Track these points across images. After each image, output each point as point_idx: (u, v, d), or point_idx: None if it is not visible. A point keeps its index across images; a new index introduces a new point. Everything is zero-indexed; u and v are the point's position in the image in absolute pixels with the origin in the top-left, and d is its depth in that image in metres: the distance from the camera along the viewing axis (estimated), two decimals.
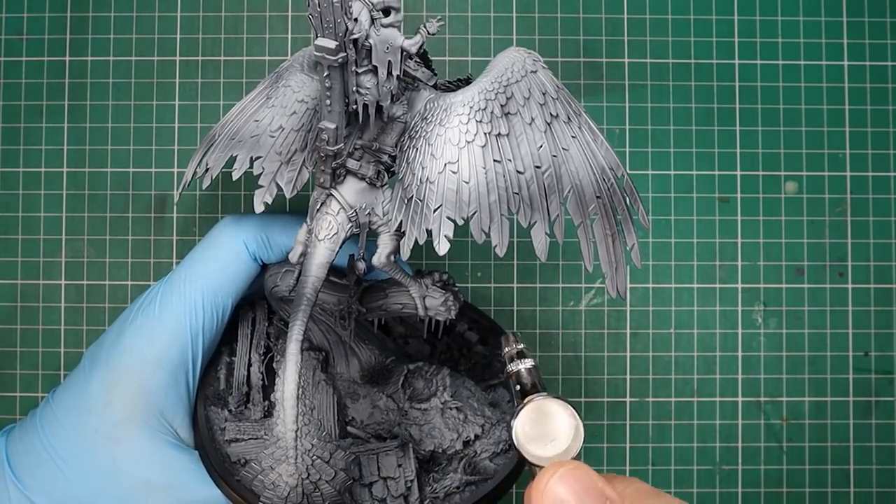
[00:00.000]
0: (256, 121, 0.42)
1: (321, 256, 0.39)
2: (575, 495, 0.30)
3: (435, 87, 0.40)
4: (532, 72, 0.38)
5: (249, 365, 0.45)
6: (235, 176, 0.41)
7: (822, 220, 0.54)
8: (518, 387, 0.35)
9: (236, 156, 0.41)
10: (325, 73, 0.36)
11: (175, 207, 0.54)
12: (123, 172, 0.53)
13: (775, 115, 0.54)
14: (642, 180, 0.54)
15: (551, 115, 0.37)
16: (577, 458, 0.32)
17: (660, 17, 0.54)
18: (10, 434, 0.44)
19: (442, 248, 0.37)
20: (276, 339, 0.47)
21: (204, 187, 0.42)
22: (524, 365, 0.36)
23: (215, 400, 0.44)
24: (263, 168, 0.41)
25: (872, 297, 0.54)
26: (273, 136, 0.41)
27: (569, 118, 0.38)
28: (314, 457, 0.39)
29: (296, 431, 0.38)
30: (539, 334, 0.54)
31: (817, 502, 0.53)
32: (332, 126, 0.37)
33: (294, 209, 0.53)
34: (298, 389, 0.38)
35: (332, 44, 0.35)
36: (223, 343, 0.46)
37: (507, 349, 0.37)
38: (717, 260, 0.54)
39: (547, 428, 0.32)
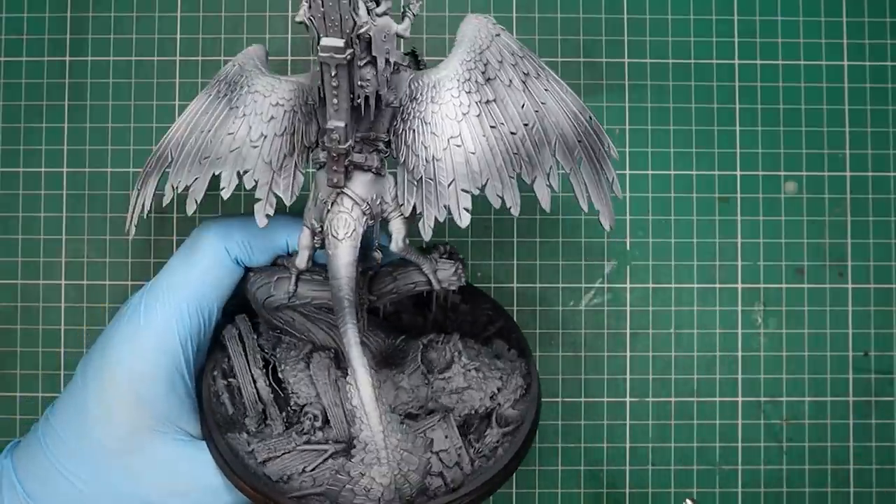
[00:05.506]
0: (231, 133, 0.40)
1: (346, 256, 0.39)
2: None
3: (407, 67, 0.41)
4: (496, 35, 0.40)
5: (254, 382, 0.45)
6: (226, 195, 0.40)
7: (822, 220, 0.54)
8: None
9: (219, 174, 0.40)
10: (333, 73, 0.36)
11: (175, 207, 0.54)
12: (123, 172, 0.53)
13: (775, 115, 0.54)
14: (642, 180, 0.54)
15: (524, 73, 0.39)
16: None
17: (660, 17, 0.54)
18: (15, 452, 0.44)
19: (463, 220, 0.38)
20: (272, 349, 0.46)
21: (189, 213, 0.40)
22: None
23: (229, 426, 0.44)
24: (256, 181, 0.40)
25: (872, 297, 0.54)
26: (256, 146, 0.40)
27: (538, 74, 0.40)
28: (402, 451, 0.39)
29: (383, 432, 0.37)
30: (539, 334, 0.54)
31: (817, 502, 0.53)
32: (342, 124, 0.37)
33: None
34: (375, 391, 0.38)
35: (339, 42, 0.35)
36: (213, 366, 0.45)
37: None
38: (717, 260, 0.54)
39: None
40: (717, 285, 0.54)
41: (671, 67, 0.54)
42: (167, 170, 0.42)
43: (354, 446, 0.39)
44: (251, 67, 0.42)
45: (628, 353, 0.54)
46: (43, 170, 0.53)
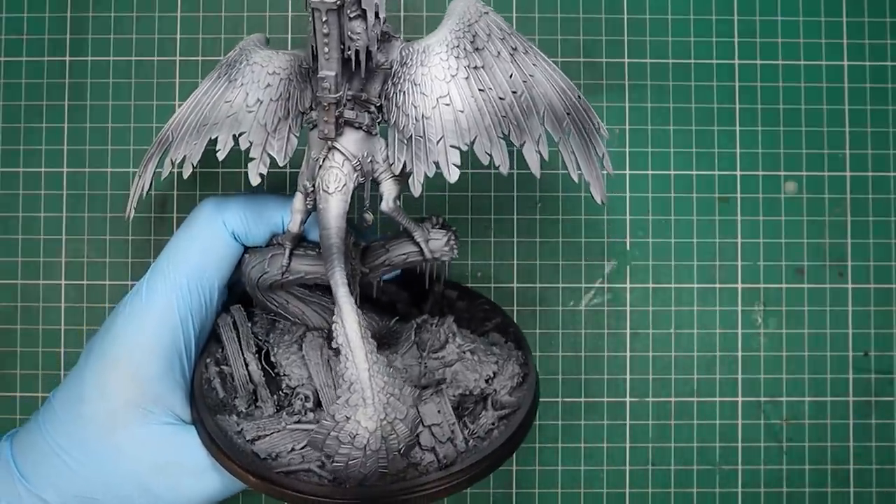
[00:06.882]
0: (228, 101, 0.42)
1: (336, 208, 0.39)
2: None
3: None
4: (485, 13, 0.41)
5: (246, 365, 0.45)
6: (221, 156, 0.41)
7: (822, 220, 0.54)
8: None
9: (215, 138, 0.41)
10: (324, 20, 0.36)
11: (175, 207, 0.54)
12: (123, 172, 0.53)
13: (775, 115, 0.54)
14: (642, 180, 0.54)
15: (512, 48, 0.41)
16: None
17: (660, 17, 0.54)
18: (15, 436, 0.44)
19: (452, 175, 0.39)
20: (266, 335, 0.47)
21: (185, 176, 0.42)
22: None
23: (219, 409, 0.44)
24: (251, 141, 0.41)
25: (872, 297, 0.54)
26: (252, 111, 0.41)
27: (526, 50, 0.41)
28: (388, 394, 0.38)
29: (368, 370, 0.37)
30: (539, 334, 0.54)
31: (817, 502, 0.53)
32: (333, 73, 0.38)
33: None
34: (361, 328, 0.37)
35: None
36: (207, 355, 0.46)
37: None
38: (717, 260, 0.54)
39: None
40: (717, 285, 0.54)
41: (671, 67, 0.54)
42: (167, 152, 0.43)
43: (339, 386, 0.38)
44: (251, 47, 0.44)
45: (628, 353, 0.54)
46: (43, 170, 0.53)
